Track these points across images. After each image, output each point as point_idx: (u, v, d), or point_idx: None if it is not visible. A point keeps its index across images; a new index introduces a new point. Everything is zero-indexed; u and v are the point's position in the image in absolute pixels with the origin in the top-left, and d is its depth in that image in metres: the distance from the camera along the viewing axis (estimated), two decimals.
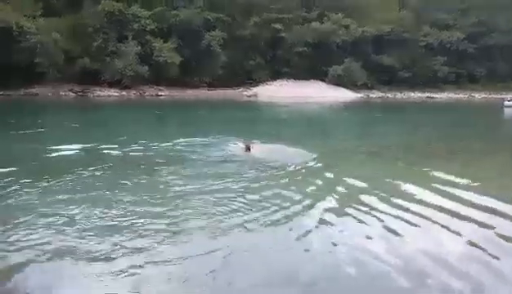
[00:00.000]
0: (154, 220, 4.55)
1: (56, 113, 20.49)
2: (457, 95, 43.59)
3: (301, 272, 3.60)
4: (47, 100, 27.07)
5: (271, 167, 7.04)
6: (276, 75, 40.85)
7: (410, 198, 5.57)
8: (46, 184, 5.93)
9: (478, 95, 44.03)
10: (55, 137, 11.42)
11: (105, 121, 17.19)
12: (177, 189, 5.76)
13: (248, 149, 8.31)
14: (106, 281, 3.43)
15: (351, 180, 6.35)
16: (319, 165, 7.51)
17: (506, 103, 28.35)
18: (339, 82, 40.17)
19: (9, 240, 4.09)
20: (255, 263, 3.79)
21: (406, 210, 5.04)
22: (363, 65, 41.31)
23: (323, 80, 40.82)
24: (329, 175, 6.74)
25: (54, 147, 8.71)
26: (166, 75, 34.62)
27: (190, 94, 34.18)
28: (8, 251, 3.87)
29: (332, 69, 40.55)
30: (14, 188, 5.64)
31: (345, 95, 39.00)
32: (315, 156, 8.05)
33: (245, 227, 4.47)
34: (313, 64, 40.98)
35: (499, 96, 36.63)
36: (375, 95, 41.69)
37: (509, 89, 36.42)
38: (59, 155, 8.24)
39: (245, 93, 38.07)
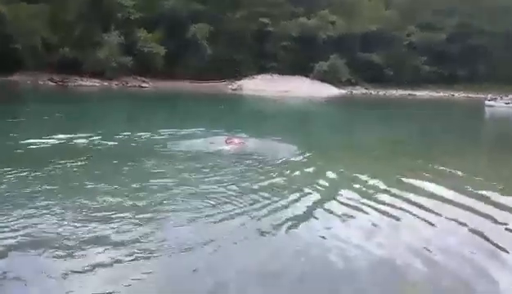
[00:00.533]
0: (133, 213, 4.48)
1: (36, 103, 19.88)
2: (438, 94, 44.60)
3: (290, 265, 3.60)
4: (25, 88, 26.18)
5: (253, 161, 6.99)
6: (261, 70, 40.81)
7: (380, 189, 5.73)
8: (23, 174, 5.77)
9: (458, 95, 45.19)
10: (32, 128, 11.04)
11: (85, 112, 16.74)
12: (156, 181, 5.67)
13: (229, 142, 8.19)
14: (81, 275, 3.36)
15: (330, 174, 6.45)
16: (299, 159, 7.57)
17: (487, 102, 29.29)
18: (324, 77, 40.50)
19: None
20: (242, 256, 3.77)
21: (381, 202, 5.15)
22: (349, 62, 41.74)
23: (308, 75, 41.06)
24: (309, 169, 6.80)
25: (32, 138, 8.39)
26: (150, 66, 34.06)
27: (174, 86, 33.73)
28: None
29: (318, 64, 40.80)
30: None
31: (329, 90, 39.36)
32: (296, 149, 8.15)
33: (226, 219, 4.45)
34: (299, 59, 41.14)
35: (479, 96, 37.74)
36: (358, 91, 42.26)
37: (489, 90, 37.55)
38: (37, 146, 7.99)
39: (230, 86, 37.90)
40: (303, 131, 13.34)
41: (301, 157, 7.78)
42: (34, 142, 8.05)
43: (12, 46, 26.92)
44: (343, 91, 40.45)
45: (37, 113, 14.97)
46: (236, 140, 8.48)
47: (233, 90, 36.93)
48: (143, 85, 33.79)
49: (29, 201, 4.70)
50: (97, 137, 8.75)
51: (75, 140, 8.46)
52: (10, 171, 5.77)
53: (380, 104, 32.35)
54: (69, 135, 8.75)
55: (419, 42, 45.54)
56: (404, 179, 6.39)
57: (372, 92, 42.77)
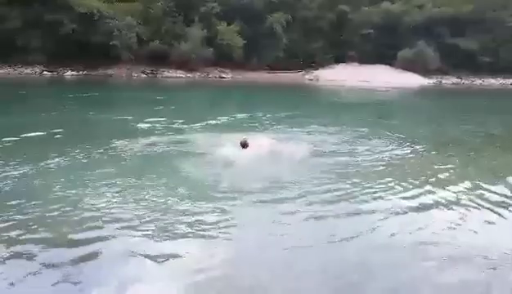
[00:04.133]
0: None
1: (131, 91, 22.11)
2: None
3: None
4: (121, 80, 29.10)
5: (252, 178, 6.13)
6: (339, 59, 39.44)
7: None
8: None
9: None
10: (131, 112, 12.49)
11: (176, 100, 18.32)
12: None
13: (244, 146, 6.96)
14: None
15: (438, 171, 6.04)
16: (403, 154, 7.21)
17: None
18: (409, 66, 37.60)
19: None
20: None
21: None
22: (437, 49, 38.11)
23: (391, 64, 38.53)
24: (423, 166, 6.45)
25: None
26: (229, 58, 35.17)
27: (251, 76, 34.44)
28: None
29: (402, 52, 38.01)
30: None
31: (415, 80, 36.48)
32: (393, 144, 7.76)
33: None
34: (381, 47, 38.73)
35: None
36: (449, 81, 38.44)
37: None
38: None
39: (307, 76, 37.40)
40: (393, 124, 12.57)
41: (406, 151, 7.52)
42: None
43: (112, 42, 29.89)
44: (430, 81, 37.21)
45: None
46: (255, 144, 7.07)
47: (310, 80, 36.40)
48: (223, 75, 35.13)
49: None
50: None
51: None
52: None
53: (479, 94, 29.04)
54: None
55: None
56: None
57: (465, 82, 38.57)
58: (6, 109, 12.70)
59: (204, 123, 10.70)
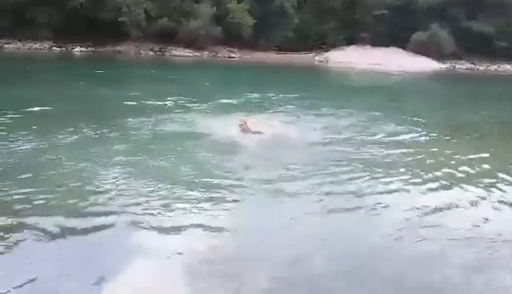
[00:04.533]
0: None
1: (141, 69, 21.97)
2: None
3: None
4: (129, 57, 28.89)
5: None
6: (351, 40, 38.56)
7: None
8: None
9: None
10: (138, 89, 12.48)
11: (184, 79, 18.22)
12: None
13: (245, 129, 6.79)
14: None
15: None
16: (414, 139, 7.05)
17: None
18: (422, 49, 36.65)
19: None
20: None
21: None
22: (451, 32, 37.00)
23: (404, 47, 37.61)
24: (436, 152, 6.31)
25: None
26: (238, 37, 34.58)
27: (260, 57, 33.95)
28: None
29: (415, 35, 37.00)
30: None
31: (428, 64, 35.66)
32: (403, 129, 7.61)
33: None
34: (394, 29, 37.70)
35: None
36: (463, 66, 37.50)
37: None
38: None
39: (317, 58, 36.75)
40: (405, 109, 12.34)
41: (420, 137, 7.40)
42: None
43: (120, 18, 29.49)
44: (443, 65, 36.33)
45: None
46: (256, 127, 6.89)
47: (320, 61, 35.78)
48: (231, 55, 34.64)
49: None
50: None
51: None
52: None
53: (494, 80, 28.34)
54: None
55: None
56: None
57: (480, 67, 37.61)
58: (16, 84, 12.71)
59: (214, 103, 10.64)
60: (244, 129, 6.75)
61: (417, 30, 36.94)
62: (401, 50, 37.31)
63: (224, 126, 7.24)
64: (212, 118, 8.43)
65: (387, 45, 36.93)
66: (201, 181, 4.87)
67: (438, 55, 36.74)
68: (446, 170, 5.76)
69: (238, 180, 5.02)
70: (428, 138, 7.81)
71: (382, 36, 37.56)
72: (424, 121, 9.59)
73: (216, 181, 4.90)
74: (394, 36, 37.15)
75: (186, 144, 6.45)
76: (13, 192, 4.31)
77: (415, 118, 9.69)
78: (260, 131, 6.87)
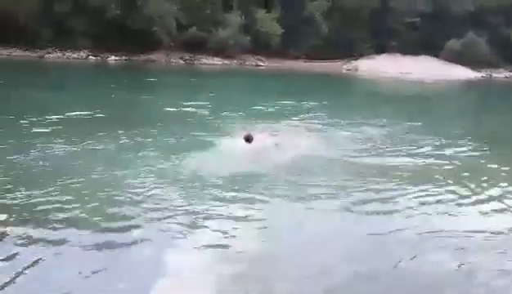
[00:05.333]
0: None
1: (175, 77, 22.66)
2: None
3: None
4: (161, 66, 29.80)
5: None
6: (381, 49, 37.88)
7: None
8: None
9: None
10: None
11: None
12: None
13: (248, 140, 6.57)
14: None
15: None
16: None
17: None
18: (456, 58, 35.48)
19: None
20: None
21: None
22: (488, 40, 35.61)
23: (436, 55, 36.56)
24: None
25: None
26: (266, 46, 34.85)
27: (288, 65, 34.02)
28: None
29: (449, 42, 35.88)
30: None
31: (461, 73, 34.44)
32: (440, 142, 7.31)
33: None
34: (426, 36, 36.74)
35: None
36: (500, 74, 35.90)
37: None
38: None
39: (345, 66, 36.39)
40: (442, 119, 11.96)
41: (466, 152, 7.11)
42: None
43: (152, 28, 30.52)
44: (478, 74, 34.98)
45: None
46: (260, 138, 6.71)
47: (348, 70, 35.41)
48: (259, 63, 34.95)
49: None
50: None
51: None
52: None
53: None
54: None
55: None
56: None
57: None
58: (56, 90, 13.38)
59: (248, 110, 10.74)
60: (248, 139, 6.59)
61: (450, 38, 35.82)
62: (432, 58, 36.30)
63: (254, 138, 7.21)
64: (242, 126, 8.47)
65: (418, 53, 36.04)
66: (229, 191, 4.91)
67: (473, 64, 35.41)
68: (495, 187, 5.53)
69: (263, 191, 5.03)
70: (470, 151, 7.43)
71: (413, 44, 36.69)
72: (463, 132, 9.21)
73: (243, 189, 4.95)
74: (425, 44, 36.20)
75: (215, 151, 6.52)
76: (40, 195, 4.44)
77: (454, 130, 9.35)
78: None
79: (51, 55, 28.75)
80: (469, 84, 29.79)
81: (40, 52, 28.48)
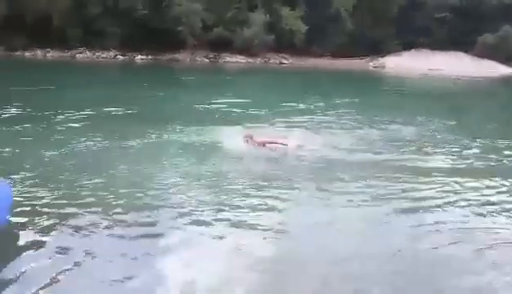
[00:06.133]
0: None
1: (202, 75, 22.94)
2: None
3: None
4: (186, 64, 30.20)
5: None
6: (408, 46, 36.82)
7: None
8: None
9: None
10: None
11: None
12: None
13: (248, 140, 6.34)
14: None
15: None
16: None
17: None
18: (488, 53, 34.02)
19: None
20: None
21: None
22: None
23: (466, 51, 35.18)
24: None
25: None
26: (290, 44, 34.63)
27: (312, 63, 33.67)
28: None
29: (481, 37, 34.42)
30: None
31: (494, 68, 32.99)
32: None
33: None
34: (455, 32, 35.45)
35: None
36: None
37: None
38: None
39: (371, 63, 35.62)
40: (477, 118, 11.41)
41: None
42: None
43: (178, 28, 30.96)
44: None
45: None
46: (258, 140, 6.31)
47: (374, 67, 34.65)
48: (283, 61, 34.78)
49: None
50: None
51: None
52: None
53: None
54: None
55: None
56: None
57: None
58: (89, 88, 13.76)
59: (276, 108, 10.62)
60: (249, 141, 6.28)
61: (482, 33, 34.35)
62: (462, 54, 35.00)
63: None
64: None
65: (447, 49, 34.79)
66: (252, 189, 4.79)
67: (508, 59, 33.83)
68: None
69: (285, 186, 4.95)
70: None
71: (443, 40, 35.51)
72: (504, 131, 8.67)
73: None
74: (455, 39, 34.92)
75: (240, 150, 6.35)
76: (65, 189, 4.49)
77: (493, 129, 8.84)
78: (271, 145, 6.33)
79: (81, 55, 29.71)
80: (504, 80, 28.45)
81: (71, 52, 29.51)
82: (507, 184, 5.32)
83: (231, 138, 6.52)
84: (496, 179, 5.49)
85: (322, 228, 3.98)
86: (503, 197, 4.90)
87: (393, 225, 4.10)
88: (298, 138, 6.73)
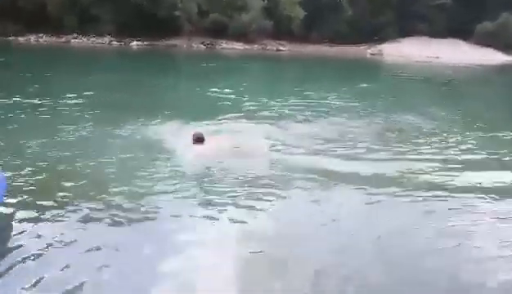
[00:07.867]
0: None
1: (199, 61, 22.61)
2: None
3: None
4: (182, 50, 29.80)
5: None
6: (407, 32, 36.46)
7: None
8: None
9: None
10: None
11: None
12: None
13: (198, 141, 5.47)
14: None
15: None
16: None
17: None
18: (487, 41, 33.78)
19: None
20: None
21: None
22: None
23: (465, 39, 34.91)
24: None
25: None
26: (288, 30, 34.20)
27: (310, 49, 33.32)
28: None
29: (481, 25, 34.10)
30: None
31: (493, 56, 32.82)
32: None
33: None
34: (454, 19, 35.04)
35: None
36: None
37: None
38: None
39: (369, 51, 35.31)
40: (479, 109, 11.19)
41: None
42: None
43: (175, 13, 30.41)
44: (510, 58, 33.19)
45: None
46: (213, 141, 5.57)
47: (372, 54, 34.36)
48: (280, 48, 34.38)
49: None
50: None
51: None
52: None
53: None
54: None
55: None
56: None
57: None
58: (83, 73, 13.53)
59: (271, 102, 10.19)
60: (199, 140, 5.51)
61: (481, 21, 34.02)
62: (461, 41, 34.76)
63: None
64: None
65: (446, 36, 34.50)
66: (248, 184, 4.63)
67: (507, 47, 33.63)
68: None
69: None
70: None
71: (441, 27, 35.18)
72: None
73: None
74: (454, 27, 34.58)
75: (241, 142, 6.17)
76: (59, 176, 4.47)
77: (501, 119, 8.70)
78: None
79: (76, 41, 29.23)
80: (504, 68, 28.31)
81: (66, 37, 29.05)
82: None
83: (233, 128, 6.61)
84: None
85: (312, 224, 3.90)
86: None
87: (384, 216, 4.07)
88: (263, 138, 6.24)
